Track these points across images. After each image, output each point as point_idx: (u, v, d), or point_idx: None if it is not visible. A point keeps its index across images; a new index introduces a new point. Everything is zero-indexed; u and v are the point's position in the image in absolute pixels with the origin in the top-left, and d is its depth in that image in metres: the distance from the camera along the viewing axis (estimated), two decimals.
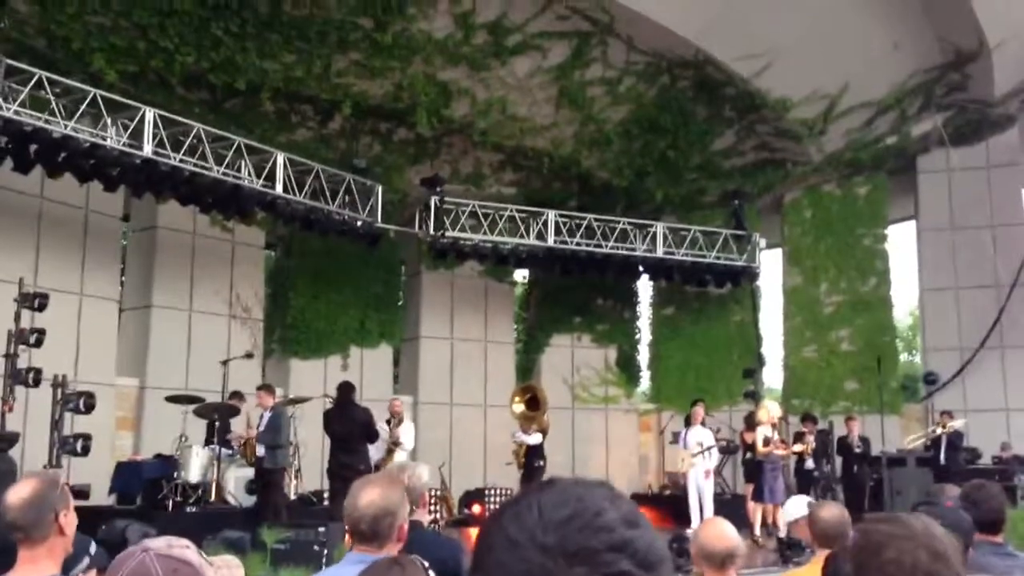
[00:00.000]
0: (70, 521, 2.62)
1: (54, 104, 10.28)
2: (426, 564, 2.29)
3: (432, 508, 10.57)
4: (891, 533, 1.89)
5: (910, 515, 2.05)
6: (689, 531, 9.00)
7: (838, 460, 13.56)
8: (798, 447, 12.72)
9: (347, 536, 2.79)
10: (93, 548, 2.96)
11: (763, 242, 16.79)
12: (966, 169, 16.13)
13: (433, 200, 14.82)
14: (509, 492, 13.83)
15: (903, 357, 23.63)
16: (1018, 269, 15.43)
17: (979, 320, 15.59)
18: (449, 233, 14.85)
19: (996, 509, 3.57)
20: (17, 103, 9.92)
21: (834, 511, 4.03)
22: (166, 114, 11.35)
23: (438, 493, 12.13)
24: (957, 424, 13.12)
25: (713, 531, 3.49)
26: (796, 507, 4.80)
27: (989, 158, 16.10)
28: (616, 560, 0.90)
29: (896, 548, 1.86)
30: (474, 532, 11.07)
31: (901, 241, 18.18)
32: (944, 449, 12.95)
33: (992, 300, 15.57)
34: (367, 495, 2.67)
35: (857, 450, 13.35)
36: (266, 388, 11.04)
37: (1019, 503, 11.37)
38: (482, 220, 15.04)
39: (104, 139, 10.67)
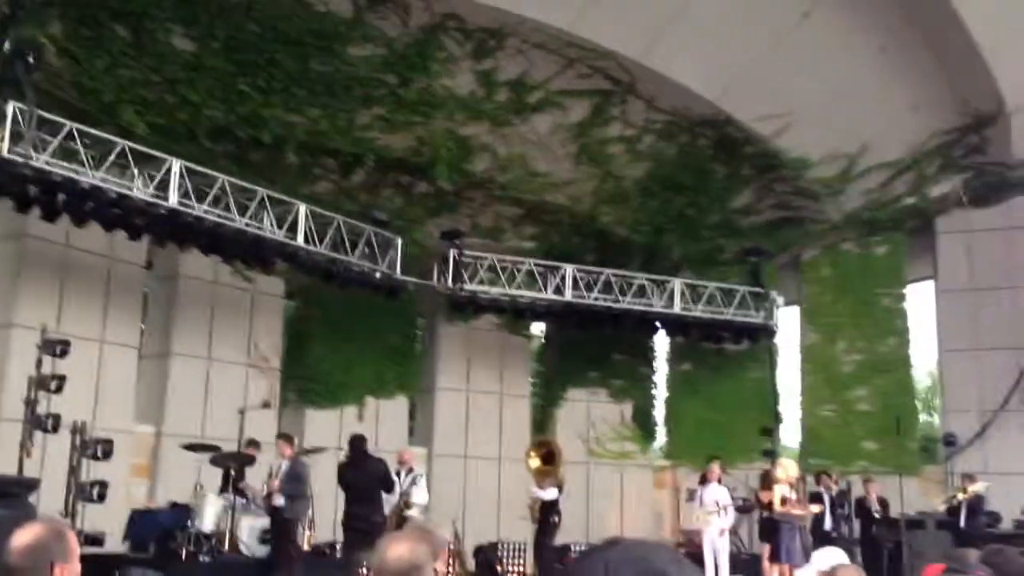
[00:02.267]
0: (67, 574, 2.63)
1: (83, 155, 10.48)
2: None
3: (448, 563, 10.53)
4: None
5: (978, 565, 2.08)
6: None
7: (855, 521, 13.40)
8: (815, 507, 12.58)
9: None
10: None
11: (781, 300, 16.76)
12: (985, 230, 16.13)
13: (452, 253, 14.92)
14: (523, 546, 13.72)
15: (922, 418, 23.40)
16: None
17: (998, 381, 15.47)
18: (467, 286, 14.92)
19: (1015, 573, 3.55)
20: (47, 153, 10.13)
21: (851, 572, 4.00)
22: (192, 165, 11.53)
23: (451, 547, 12.04)
24: (979, 487, 12.96)
25: None
26: (827, 558, 4.75)
27: (1009, 219, 16.10)
28: None
29: None
30: None
31: (920, 301, 18.12)
32: (965, 513, 12.77)
33: (1012, 362, 15.45)
34: (396, 549, 2.67)
35: (876, 515, 13.18)
36: (285, 438, 11.07)
37: None
38: (500, 274, 15.12)
39: (131, 189, 10.85)
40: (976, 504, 12.92)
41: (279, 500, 10.34)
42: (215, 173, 11.82)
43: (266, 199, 12.29)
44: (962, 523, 12.71)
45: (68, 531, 2.70)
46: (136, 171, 11.00)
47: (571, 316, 15.64)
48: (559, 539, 12.73)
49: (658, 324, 16.30)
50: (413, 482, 11.61)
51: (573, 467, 15.48)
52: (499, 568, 13.30)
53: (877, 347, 16.67)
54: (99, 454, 9.48)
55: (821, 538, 12.52)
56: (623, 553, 0.98)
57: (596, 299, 15.38)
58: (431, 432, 16.71)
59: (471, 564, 13.69)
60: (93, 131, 10.81)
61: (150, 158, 11.26)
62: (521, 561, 13.78)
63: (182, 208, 11.25)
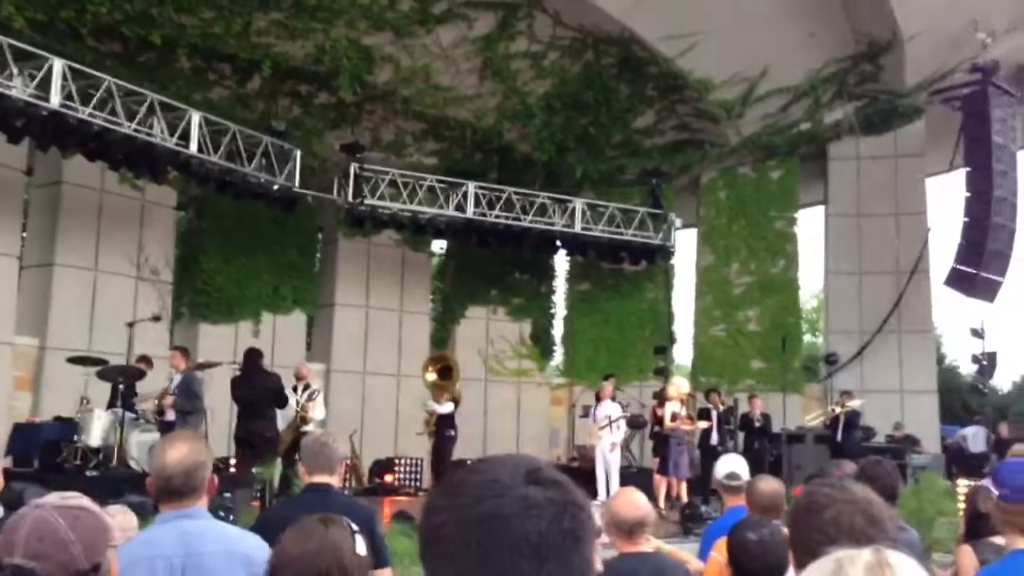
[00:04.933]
0: None
1: None
2: (354, 526, 2.30)
3: (343, 476, 10.56)
4: (831, 495, 1.98)
5: (853, 482, 2.15)
6: (596, 503, 9.15)
7: (740, 436, 13.96)
8: (704, 423, 13.06)
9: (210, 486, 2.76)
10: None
11: (679, 221, 17.08)
12: (874, 158, 16.66)
13: (352, 167, 14.65)
14: (419, 462, 13.87)
15: (807, 338, 24.40)
16: (918, 256, 16.05)
17: (879, 305, 16.17)
18: (368, 201, 14.71)
19: (891, 485, 3.73)
20: None
21: (772, 484, 4.15)
22: (76, 65, 10.92)
23: (348, 462, 12.08)
24: (855, 404, 13.61)
25: (624, 500, 3.57)
26: (729, 464, 4.87)
27: (896, 148, 16.64)
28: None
29: (836, 509, 1.94)
30: (385, 501, 11.09)
31: (810, 225, 18.70)
32: (841, 428, 13.43)
33: (892, 286, 16.16)
34: (176, 452, 2.69)
35: (757, 424, 13.78)
36: (181, 350, 10.84)
37: (909, 480, 11.87)
38: (401, 189, 14.93)
39: (9, 89, 10.23)
40: (852, 419, 13.58)
41: (171, 415, 10.15)
42: (101, 75, 11.23)
43: (156, 104, 11.76)
44: (839, 437, 13.36)
45: None
46: (15, 69, 10.37)
47: (472, 233, 15.62)
48: (456, 454, 12.89)
49: (558, 243, 16.42)
50: (310, 397, 11.55)
51: (471, 384, 15.65)
52: (394, 482, 13.45)
53: (768, 269, 17.19)
54: None
55: (707, 452, 13.05)
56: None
57: (497, 217, 15.37)
58: (329, 348, 16.59)
59: (367, 478, 13.80)
60: None
61: (30, 56, 10.60)
62: (418, 476, 13.96)
63: (65, 110, 10.68)
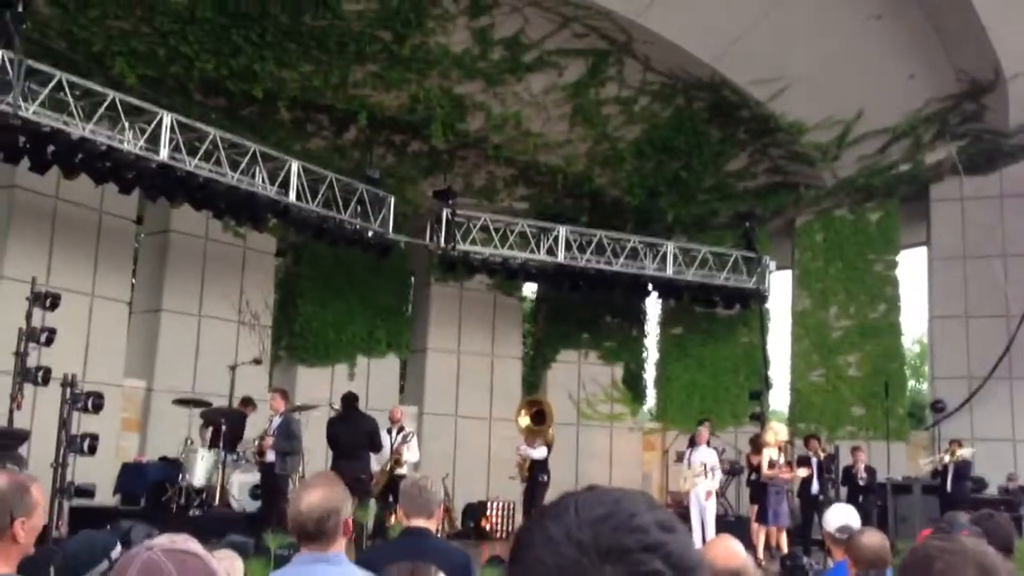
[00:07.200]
0: (28, 528, 2.63)
1: (73, 106, 10.35)
2: (442, 574, 2.31)
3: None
4: (942, 547, 1.92)
5: (968, 536, 2.08)
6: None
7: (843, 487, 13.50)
8: (803, 471, 12.69)
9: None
10: (116, 552, 2.95)
11: (773, 264, 16.78)
12: (979, 198, 16.12)
13: (445, 212, 14.87)
14: (512, 506, 13.82)
15: (910, 384, 23.57)
16: None
17: (988, 349, 15.54)
18: (460, 246, 14.89)
19: (1006, 538, 3.57)
20: (36, 103, 9.99)
21: (875, 538, 4.02)
22: (183, 119, 11.42)
23: (443, 505, 12.08)
24: (966, 453, 13.06)
25: (722, 549, 3.48)
26: (840, 515, 4.74)
27: (1002, 188, 16.09)
28: (649, 560, 0.91)
29: (945, 561, 1.87)
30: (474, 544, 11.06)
31: (912, 268, 18.15)
32: (951, 478, 12.89)
33: (1001, 330, 15.52)
34: (308, 497, 2.71)
35: (861, 482, 13.20)
36: (281, 392, 11.08)
37: None
38: (493, 234, 15.07)
39: (121, 142, 10.74)
40: (962, 469, 13.03)
41: (271, 456, 10.36)
42: (206, 127, 11.71)
43: (258, 155, 12.19)
44: (948, 488, 12.83)
45: (32, 484, 2.68)
46: (126, 124, 10.88)
47: (563, 277, 15.63)
48: (548, 499, 12.79)
49: (650, 287, 16.29)
50: (404, 440, 11.65)
51: (563, 428, 15.56)
52: (487, 526, 13.41)
53: (868, 313, 16.72)
54: (90, 407, 9.45)
55: (808, 502, 12.67)
56: (596, 495, 0.98)
57: (588, 261, 15.36)
58: (422, 391, 16.75)
59: (459, 522, 13.80)
60: (83, 82, 10.68)
61: (140, 111, 11.13)
62: (510, 520, 13.90)
63: (173, 162, 11.15)
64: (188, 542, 1.87)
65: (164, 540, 1.86)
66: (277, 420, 10.54)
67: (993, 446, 14.77)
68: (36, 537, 2.71)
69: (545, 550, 0.93)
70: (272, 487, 10.38)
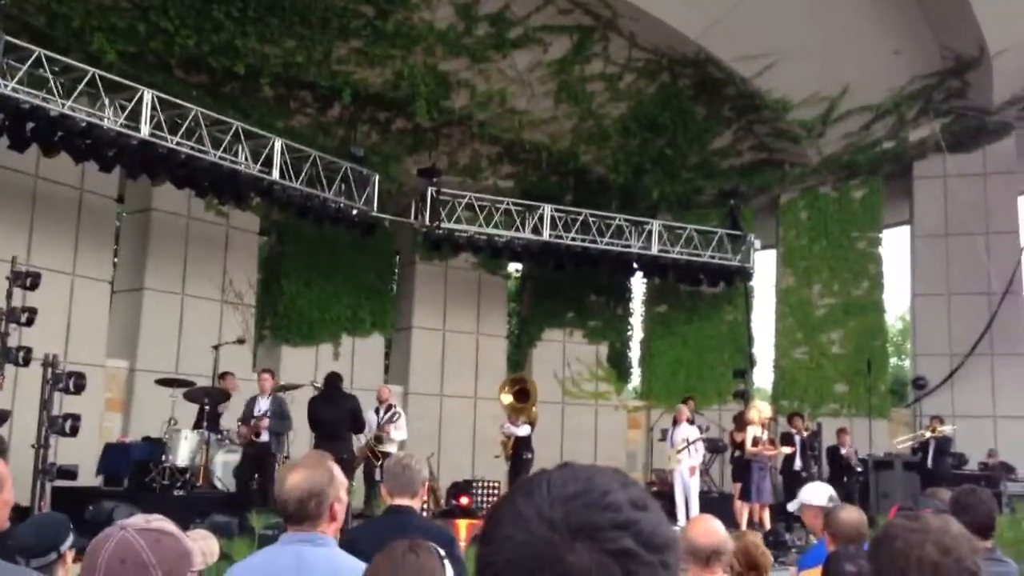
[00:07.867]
0: (1, 503, 2.64)
1: (52, 83, 10.22)
2: (442, 552, 2.29)
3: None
4: (904, 526, 1.97)
5: (933, 514, 2.12)
6: (675, 528, 8.99)
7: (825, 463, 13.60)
8: (787, 448, 12.76)
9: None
10: (67, 544, 2.91)
11: (758, 243, 16.80)
12: (962, 176, 16.18)
13: (429, 191, 14.81)
14: (497, 485, 13.85)
15: (893, 361, 23.72)
16: (1010, 277, 15.50)
17: (970, 327, 15.64)
18: (444, 224, 14.84)
19: (987, 514, 3.58)
20: (15, 80, 9.85)
21: (853, 514, 4.06)
22: (164, 96, 11.29)
23: (428, 484, 12.10)
24: (947, 429, 13.17)
25: (701, 528, 3.49)
26: (815, 494, 4.80)
27: (985, 165, 16.15)
28: (619, 538, 0.90)
29: (904, 540, 1.92)
30: (461, 523, 11.10)
31: (895, 246, 18.24)
32: (932, 454, 12.99)
33: (983, 307, 15.62)
34: (291, 479, 2.70)
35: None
36: (270, 372, 11.06)
37: (1005, 509, 11.41)
38: (478, 212, 15.03)
39: (101, 119, 10.61)
40: (943, 445, 13.14)
41: (265, 435, 10.34)
42: (188, 104, 11.59)
43: (241, 132, 12.09)
44: (929, 464, 12.93)
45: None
46: (107, 101, 10.76)
47: (548, 256, 15.62)
48: None
49: (635, 265, 16.30)
50: (392, 419, 11.64)
51: (548, 407, 15.60)
52: (471, 504, 13.44)
53: (851, 291, 16.80)
54: (71, 388, 9.37)
55: (791, 478, 12.75)
56: (569, 472, 0.96)
57: (573, 239, 15.35)
58: (407, 371, 16.73)
59: (444, 500, 13.82)
60: (62, 58, 10.54)
61: (121, 87, 11.00)
62: (495, 498, 13.93)
63: (154, 139, 11.03)
64: (162, 521, 1.86)
65: (138, 520, 1.85)
66: (265, 401, 10.49)
67: (974, 422, 14.90)
68: (9, 511, 2.70)
69: (515, 527, 0.92)
70: (263, 467, 10.34)
